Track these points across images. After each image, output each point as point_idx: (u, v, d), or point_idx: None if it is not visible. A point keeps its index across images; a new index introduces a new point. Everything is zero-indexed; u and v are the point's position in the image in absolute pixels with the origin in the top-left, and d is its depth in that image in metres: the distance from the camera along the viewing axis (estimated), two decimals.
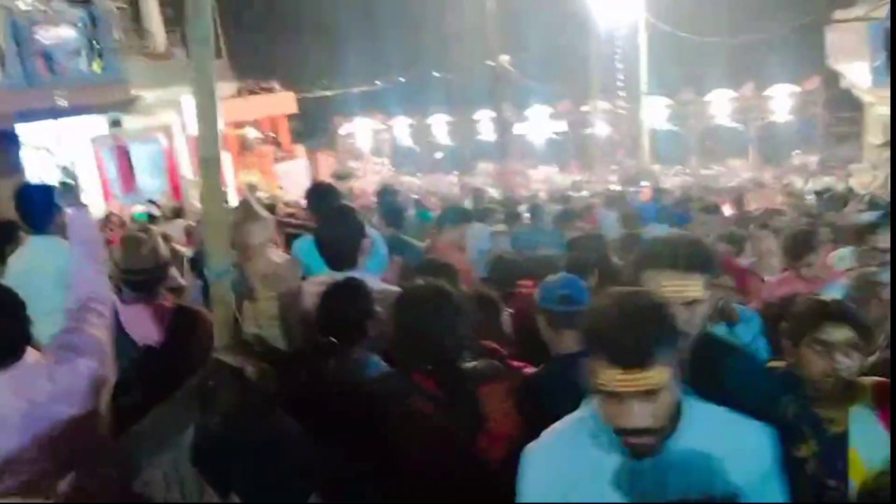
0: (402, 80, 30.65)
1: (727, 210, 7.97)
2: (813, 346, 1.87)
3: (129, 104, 10.68)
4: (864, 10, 13.40)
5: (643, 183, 14.50)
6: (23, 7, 8.01)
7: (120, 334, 2.29)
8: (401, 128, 32.65)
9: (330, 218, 2.39)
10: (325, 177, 17.47)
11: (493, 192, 13.56)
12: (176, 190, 14.80)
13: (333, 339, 1.81)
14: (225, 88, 16.41)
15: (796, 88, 28.18)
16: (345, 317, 1.84)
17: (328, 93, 28.47)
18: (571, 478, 1.45)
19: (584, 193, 12.60)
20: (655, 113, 28.87)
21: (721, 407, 1.55)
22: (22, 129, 8.29)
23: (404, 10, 26.72)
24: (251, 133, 18.55)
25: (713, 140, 32.02)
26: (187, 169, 15.23)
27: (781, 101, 29.78)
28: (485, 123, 27.19)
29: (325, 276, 2.18)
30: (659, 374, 1.38)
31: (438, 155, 33.76)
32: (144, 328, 2.33)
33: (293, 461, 1.40)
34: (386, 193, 4.39)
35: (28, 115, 7.80)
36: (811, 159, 24.64)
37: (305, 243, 2.71)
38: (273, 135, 19.21)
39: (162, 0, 16.09)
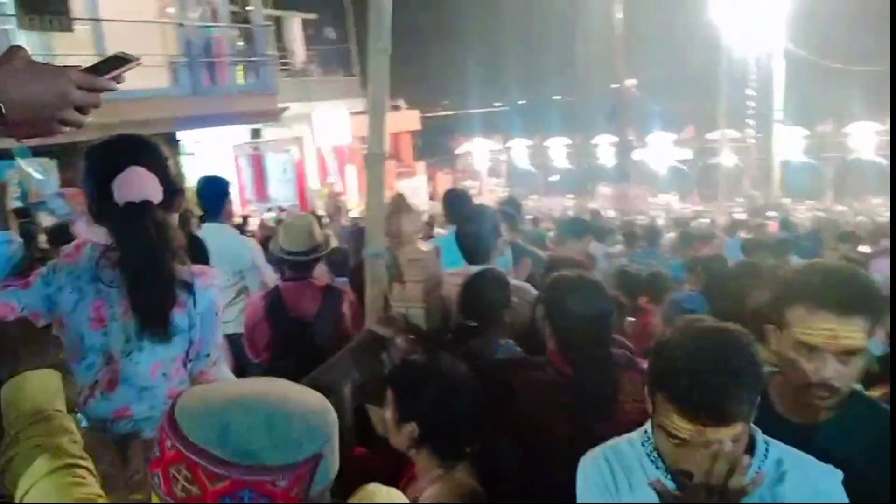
0: (521, 102, 30.93)
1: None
2: None
3: (278, 115, 11.47)
4: None
5: (770, 214, 13.82)
6: (194, 23, 8.86)
7: (278, 307, 2.56)
8: (518, 149, 32.89)
9: (470, 217, 2.57)
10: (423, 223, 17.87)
11: (611, 215, 13.38)
12: (303, 199, 15.58)
13: (473, 323, 1.94)
14: (356, 104, 17.20)
15: None
16: (485, 302, 1.96)
17: (450, 113, 29.19)
18: (622, 494, 1.40)
19: (705, 221, 12.18)
20: (789, 144, 27.43)
21: (791, 448, 1.42)
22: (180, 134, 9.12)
23: (528, 34, 26.99)
24: None
25: (852, 175, 30.04)
26: (314, 180, 16.07)
27: None
28: (603, 148, 26.90)
29: (461, 269, 2.34)
30: (735, 430, 1.26)
31: (555, 178, 33.65)
32: (302, 302, 2.59)
33: (470, 402, 1.54)
34: (510, 202, 4.54)
35: (190, 122, 8.56)
36: None
37: (443, 241, 2.91)
38: (395, 153, 19.92)
39: (304, 21, 17.18)
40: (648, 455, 1.40)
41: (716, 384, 1.24)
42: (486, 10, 26.53)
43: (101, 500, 0.98)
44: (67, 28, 8.90)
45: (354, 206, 14.00)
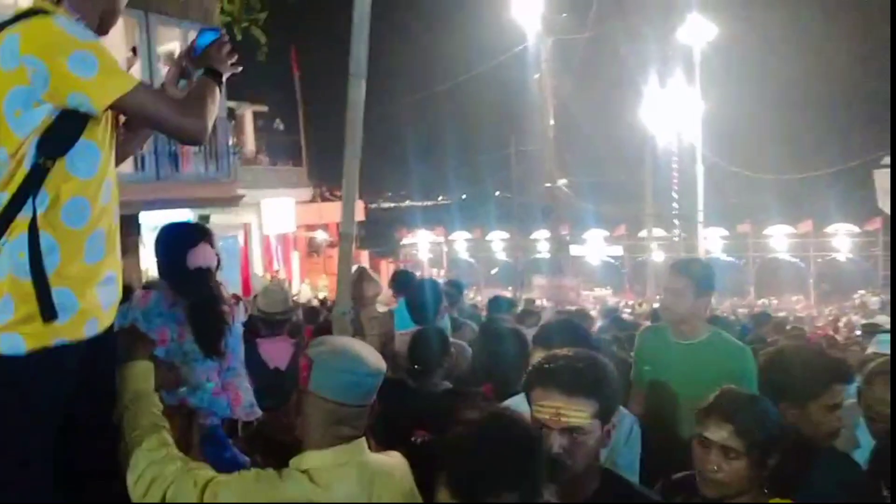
0: (463, 196, 32.22)
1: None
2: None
3: (236, 202, 11.88)
4: None
5: None
6: None
7: (257, 360, 2.94)
8: (459, 242, 33.91)
9: (418, 286, 3.08)
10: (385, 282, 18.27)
11: (546, 305, 14.02)
12: (246, 284, 15.66)
13: (419, 367, 2.37)
14: (302, 193, 17.68)
15: (856, 228, 28.38)
16: (429, 351, 2.41)
17: (393, 205, 30.08)
18: None
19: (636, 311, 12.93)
20: (712, 243, 29.32)
21: None
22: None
23: (470, 132, 28.51)
24: (321, 235, 19.66)
25: (770, 274, 32.10)
26: (258, 266, 16.25)
27: (841, 240, 29.95)
28: (541, 243, 28.07)
29: (411, 330, 2.80)
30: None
31: (494, 270, 34.70)
32: (277, 356, 3.01)
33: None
34: (453, 283, 5.08)
35: (151, 205, 8.90)
36: (873, 299, 24.21)
37: (396, 309, 3.39)
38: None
39: (255, 112, 17.87)
40: None
41: (479, 474, 1.33)
42: (431, 108, 28.02)
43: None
44: None
45: (297, 292, 14.18)
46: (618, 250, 34.72)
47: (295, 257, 17.40)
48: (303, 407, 1.49)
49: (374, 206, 23.70)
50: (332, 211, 19.35)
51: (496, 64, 17.90)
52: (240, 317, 2.06)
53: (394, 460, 1.60)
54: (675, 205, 24.03)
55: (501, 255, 33.15)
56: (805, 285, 31.11)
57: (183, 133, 1.70)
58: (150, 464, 1.57)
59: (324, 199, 19.51)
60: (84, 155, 1.63)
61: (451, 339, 2.68)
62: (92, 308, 1.65)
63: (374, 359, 1.52)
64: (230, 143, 11.33)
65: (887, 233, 23.25)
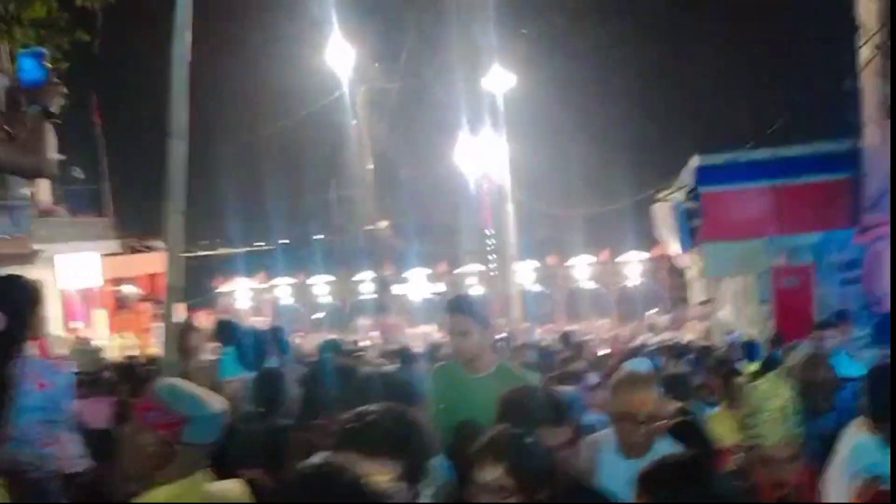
0: (284, 241, 31.63)
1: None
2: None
3: (33, 258, 10.90)
4: (672, 191, 16.39)
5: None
6: None
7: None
8: (282, 288, 33.14)
9: (244, 335, 3.17)
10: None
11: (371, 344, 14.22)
12: (42, 346, 14.23)
13: (262, 408, 2.49)
14: (108, 246, 16.50)
15: (645, 255, 31.83)
16: (272, 391, 2.52)
17: (210, 252, 28.79)
18: None
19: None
20: (525, 275, 31.35)
21: None
22: None
23: (290, 177, 28.25)
24: (129, 290, 18.39)
25: (577, 301, 34.92)
26: (57, 325, 14.84)
27: (633, 266, 33.38)
28: (366, 284, 28.28)
29: (238, 376, 2.90)
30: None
31: (319, 315, 34.23)
32: (97, 416, 2.87)
33: None
34: (274, 329, 5.17)
35: None
36: (663, 318, 27.05)
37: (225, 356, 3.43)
38: (150, 295, 19.15)
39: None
40: None
41: None
42: (248, 155, 27.43)
43: None
44: None
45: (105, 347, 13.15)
46: (440, 286, 35.88)
47: (101, 314, 16.10)
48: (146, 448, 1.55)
49: (188, 255, 22.56)
50: (142, 263, 18.19)
51: (315, 110, 18.14)
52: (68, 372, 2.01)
53: (232, 484, 1.71)
54: (488, 241, 25.47)
55: (327, 299, 32.87)
56: (608, 309, 34.15)
57: (26, 172, 1.82)
58: None
59: (134, 251, 18.29)
60: None
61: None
62: None
63: (217, 400, 1.64)
64: (24, 194, 10.44)
65: (666, 259, 26.44)
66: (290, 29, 18.94)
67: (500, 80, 22.97)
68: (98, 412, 2.95)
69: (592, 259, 34.01)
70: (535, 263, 33.66)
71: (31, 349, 2.18)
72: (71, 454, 1.98)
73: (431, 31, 19.80)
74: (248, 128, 25.92)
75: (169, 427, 1.56)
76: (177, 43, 2.99)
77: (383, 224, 17.27)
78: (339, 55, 17.43)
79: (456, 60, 22.04)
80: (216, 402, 1.62)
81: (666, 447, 2.45)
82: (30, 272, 13.86)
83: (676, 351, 9.26)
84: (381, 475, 1.50)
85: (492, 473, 1.75)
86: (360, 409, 1.68)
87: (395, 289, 26.76)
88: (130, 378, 4.81)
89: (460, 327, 2.75)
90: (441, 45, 20.99)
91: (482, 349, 2.82)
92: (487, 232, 25.42)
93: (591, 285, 35.25)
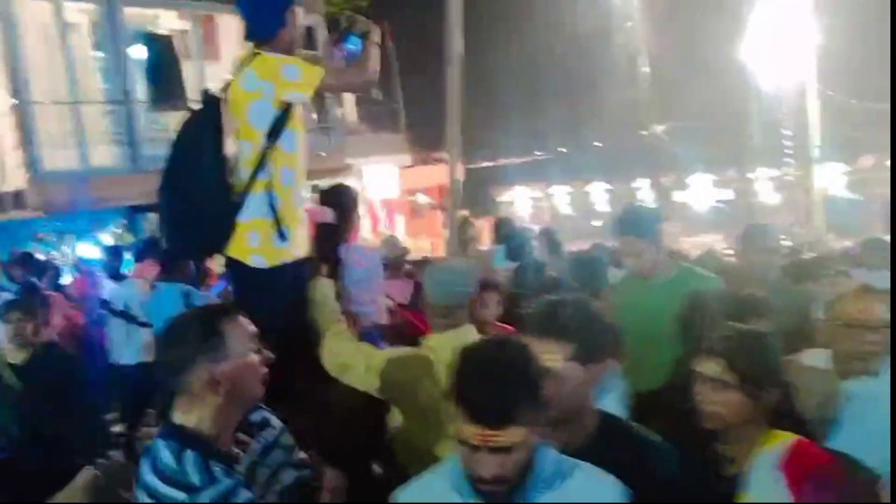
0: (562, 150, 31.90)
1: None
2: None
3: (345, 171, 12.99)
4: None
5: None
6: None
7: None
8: (560, 196, 33.73)
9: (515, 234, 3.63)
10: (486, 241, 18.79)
11: None
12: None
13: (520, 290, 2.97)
14: (403, 160, 18.29)
15: None
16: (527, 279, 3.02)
17: (491, 164, 30.30)
18: None
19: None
20: (830, 180, 27.61)
21: (576, 460, 1.58)
22: None
23: (562, 84, 28.14)
24: (422, 199, 20.31)
25: None
26: (366, 230, 17.13)
27: None
28: (644, 191, 27.48)
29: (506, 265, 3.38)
30: (515, 434, 1.42)
31: (597, 222, 34.25)
32: (397, 293, 3.76)
33: None
34: (547, 231, 5.58)
35: None
36: None
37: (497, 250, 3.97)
38: (441, 203, 20.97)
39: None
40: (455, 486, 1.55)
41: (493, 390, 1.41)
42: (525, 66, 27.89)
43: None
44: (185, 108, 10.95)
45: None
46: (728, 194, 33.34)
47: (400, 220, 18.15)
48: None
49: (470, 166, 24.06)
50: (432, 175, 19.92)
51: (588, 16, 17.64)
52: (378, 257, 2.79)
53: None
54: (786, 142, 22.89)
55: (605, 207, 32.68)
56: None
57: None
58: (334, 342, 2.45)
59: (424, 163, 20.06)
60: (288, 138, 2.55)
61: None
62: (298, 240, 2.59)
63: (464, 268, 2.20)
64: (335, 115, 12.13)
65: None
66: None
67: None
68: (399, 290, 3.74)
69: None
70: (844, 167, 29.53)
71: (352, 239, 3.02)
72: (382, 312, 2.80)
73: None
74: (526, 38, 26.21)
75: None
76: None
77: (658, 128, 16.50)
78: None
79: None
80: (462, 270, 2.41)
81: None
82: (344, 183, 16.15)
83: None
84: (551, 354, 1.64)
85: (710, 367, 1.83)
86: (545, 297, 1.84)
87: (677, 196, 25.64)
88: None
89: (630, 248, 2.82)
90: None
91: (656, 262, 2.85)
92: (784, 132, 22.83)
93: None
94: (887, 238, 5.64)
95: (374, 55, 2.63)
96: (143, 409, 5.63)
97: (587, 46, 24.63)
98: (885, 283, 3.04)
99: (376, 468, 2.74)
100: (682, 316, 2.42)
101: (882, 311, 2.30)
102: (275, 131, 2.50)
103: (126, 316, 5.79)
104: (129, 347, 5.75)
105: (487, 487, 1.47)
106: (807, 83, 21.05)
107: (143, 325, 5.64)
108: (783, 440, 1.81)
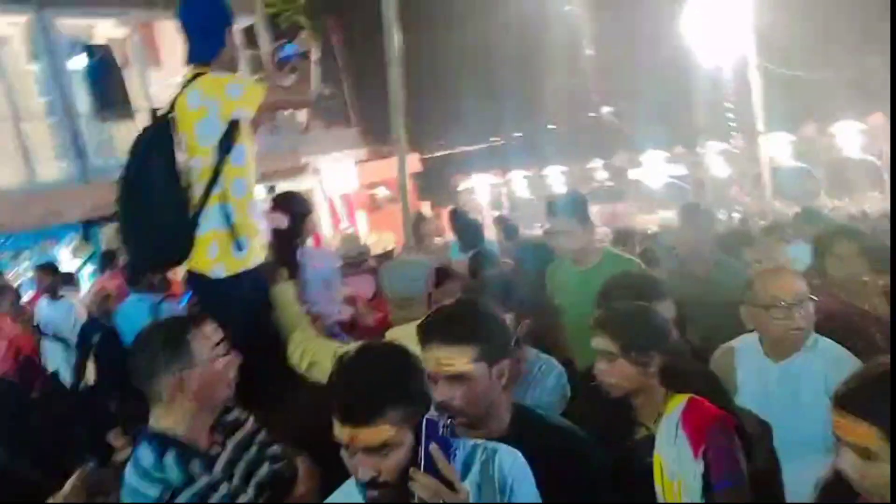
0: (517, 135, 32.22)
1: None
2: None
3: (303, 169, 13.02)
4: None
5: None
6: None
7: None
8: (518, 181, 34.05)
9: (467, 225, 3.79)
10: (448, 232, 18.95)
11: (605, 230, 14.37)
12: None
13: (475, 279, 3.12)
14: (359, 154, 18.27)
15: None
16: (480, 265, 3.17)
17: (447, 152, 30.43)
18: None
19: None
20: (776, 149, 28.41)
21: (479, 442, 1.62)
22: None
23: (513, 71, 28.37)
24: (382, 192, 20.35)
25: (842, 173, 30.91)
26: (327, 227, 17.12)
27: None
28: (600, 172, 27.89)
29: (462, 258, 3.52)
30: (386, 432, 1.40)
31: None
32: (360, 287, 3.89)
33: None
34: (502, 219, 5.78)
35: None
36: None
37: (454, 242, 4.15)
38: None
39: None
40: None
41: (358, 389, 1.43)
42: (475, 52, 28.02)
43: None
44: (130, 117, 11.05)
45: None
46: (681, 169, 34.00)
47: (361, 214, 18.20)
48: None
49: (428, 156, 24.14)
50: (390, 167, 19.94)
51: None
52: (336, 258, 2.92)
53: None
54: (729, 115, 23.47)
55: (562, 189, 33.00)
56: (882, 181, 29.91)
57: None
58: (301, 341, 2.64)
59: (381, 157, 20.09)
60: (237, 153, 2.70)
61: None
62: (256, 249, 2.75)
63: (417, 261, 2.37)
64: (288, 114, 12.12)
65: None
66: None
67: None
68: (362, 285, 3.92)
69: (860, 126, 29.81)
70: (789, 136, 30.39)
71: (308, 242, 3.16)
72: (336, 310, 2.91)
73: None
74: (474, 26, 26.33)
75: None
76: None
77: (606, 110, 16.87)
78: None
79: None
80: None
81: (826, 345, 2.38)
82: (301, 182, 16.10)
83: None
84: (456, 358, 1.69)
85: (598, 342, 2.02)
86: (442, 304, 1.94)
87: (632, 174, 26.07)
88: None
89: (559, 228, 2.94)
90: None
91: (585, 244, 2.96)
92: (728, 105, 23.40)
93: (861, 155, 31.07)
94: (822, 207, 5.90)
95: (315, 75, 2.91)
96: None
97: (532, 33, 24.93)
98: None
99: None
100: (595, 298, 2.53)
101: (798, 285, 2.39)
102: (223, 147, 2.64)
103: (59, 339, 5.71)
104: (68, 369, 5.69)
105: (370, 493, 1.45)
106: (747, 57, 21.59)
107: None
108: (680, 400, 1.95)
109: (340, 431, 1.45)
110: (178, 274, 6.05)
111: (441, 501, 1.37)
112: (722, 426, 1.85)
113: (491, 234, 6.98)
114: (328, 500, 1.72)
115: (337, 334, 2.99)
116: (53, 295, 6.44)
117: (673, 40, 21.79)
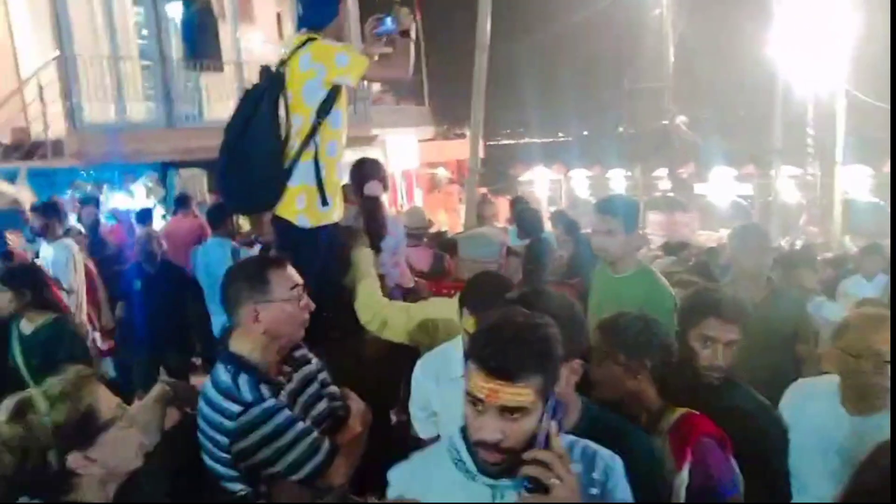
0: (584, 133, 31.90)
1: None
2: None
3: (371, 141, 13.36)
4: None
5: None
6: None
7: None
8: (579, 179, 33.73)
9: (525, 212, 3.94)
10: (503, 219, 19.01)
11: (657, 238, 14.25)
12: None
13: (531, 267, 3.28)
14: (425, 132, 18.46)
15: None
16: (538, 255, 3.33)
17: (511, 142, 30.41)
18: (433, 498, 1.53)
19: None
20: (853, 183, 27.37)
21: (579, 439, 1.62)
22: None
23: (587, 70, 28.07)
24: (441, 173, 20.54)
25: None
26: (386, 203, 17.39)
27: None
28: (665, 182, 27.41)
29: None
30: (522, 393, 1.39)
31: None
32: (419, 260, 4.30)
33: None
34: (561, 215, 5.88)
35: None
36: None
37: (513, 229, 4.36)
38: (459, 178, 21.20)
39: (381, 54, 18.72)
40: (453, 460, 1.53)
41: (506, 346, 1.41)
42: (549, 47, 27.83)
43: None
44: (219, 69, 11.57)
45: None
46: (748, 189, 33.11)
47: (418, 193, 18.43)
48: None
49: (492, 143, 24.19)
50: (452, 149, 20.14)
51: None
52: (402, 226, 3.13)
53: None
54: (809, 141, 22.74)
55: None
56: None
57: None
58: (374, 304, 2.90)
59: (445, 138, 20.26)
60: (334, 116, 2.96)
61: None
62: (339, 205, 3.04)
63: (494, 232, 2.60)
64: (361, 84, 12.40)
65: None
66: None
67: None
68: (421, 257, 4.14)
69: None
70: (868, 170, 29.27)
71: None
72: (397, 273, 3.42)
73: None
74: (551, 18, 26.15)
75: None
76: None
77: (680, 119, 16.58)
78: None
79: None
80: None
81: None
82: (368, 152, 16.43)
83: None
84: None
85: (596, 341, 2.13)
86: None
87: (697, 188, 25.59)
88: (441, 242, 6.04)
89: (604, 227, 2.83)
90: None
91: (625, 251, 2.86)
92: (809, 131, 22.68)
93: None
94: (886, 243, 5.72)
95: (411, 51, 3.01)
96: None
97: (617, 33, 24.60)
98: (872, 291, 3.13)
99: (392, 416, 3.10)
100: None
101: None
102: (324, 109, 2.89)
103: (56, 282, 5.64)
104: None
105: (487, 454, 1.43)
106: (835, 83, 20.84)
107: (69, 291, 5.42)
108: (674, 413, 1.97)
109: (481, 385, 1.41)
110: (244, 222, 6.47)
111: (558, 476, 1.36)
112: (708, 443, 1.88)
113: (548, 227, 7.11)
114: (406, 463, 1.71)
115: (396, 297, 3.22)
116: (53, 236, 6.03)
117: (761, 56, 21.21)
